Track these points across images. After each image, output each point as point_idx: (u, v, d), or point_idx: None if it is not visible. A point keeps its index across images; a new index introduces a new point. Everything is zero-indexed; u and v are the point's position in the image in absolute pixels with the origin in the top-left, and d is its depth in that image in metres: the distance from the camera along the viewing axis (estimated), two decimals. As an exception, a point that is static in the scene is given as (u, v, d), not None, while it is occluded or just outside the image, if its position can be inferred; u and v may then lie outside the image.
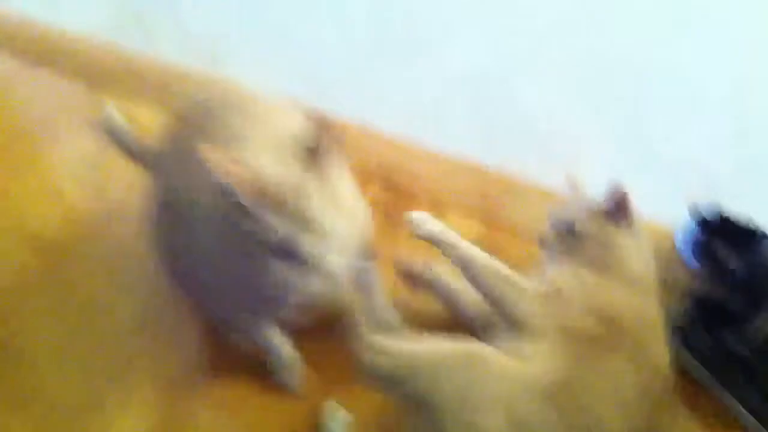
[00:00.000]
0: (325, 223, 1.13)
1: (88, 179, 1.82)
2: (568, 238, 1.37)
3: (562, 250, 1.38)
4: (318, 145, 1.11)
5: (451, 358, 1.21)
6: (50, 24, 2.14)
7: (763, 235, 1.50)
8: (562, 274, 1.33)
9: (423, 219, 1.37)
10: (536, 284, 1.31)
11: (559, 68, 1.92)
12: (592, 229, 1.35)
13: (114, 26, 2.11)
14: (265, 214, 1.09)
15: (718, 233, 1.55)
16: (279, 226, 1.10)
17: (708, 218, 1.56)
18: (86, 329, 1.57)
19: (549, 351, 1.23)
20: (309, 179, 1.11)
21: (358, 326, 1.30)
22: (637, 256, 1.34)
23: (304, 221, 1.11)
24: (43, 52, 2.10)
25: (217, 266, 1.26)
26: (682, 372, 1.45)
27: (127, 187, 1.74)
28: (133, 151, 1.63)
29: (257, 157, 1.12)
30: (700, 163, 1.76)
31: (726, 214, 1.55)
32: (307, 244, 1.12)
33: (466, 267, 1.33)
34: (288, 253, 1.13)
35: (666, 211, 1.65)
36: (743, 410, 1.42)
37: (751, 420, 1.41)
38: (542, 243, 1.43)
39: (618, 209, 1.33)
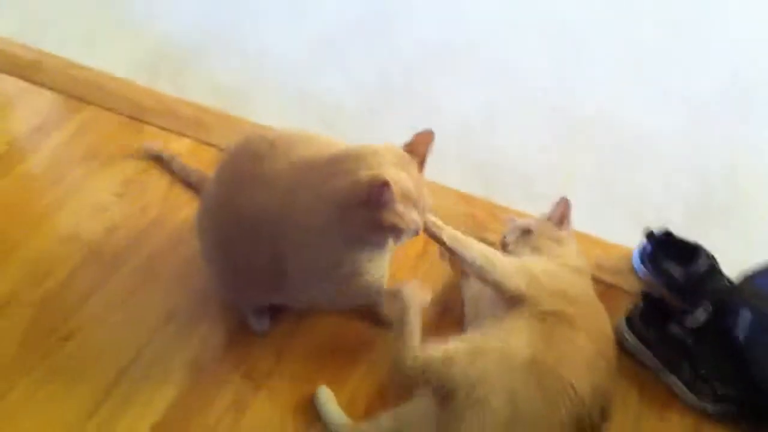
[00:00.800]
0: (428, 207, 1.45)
1: (129, 197, 2.03)
2: (524, 237, 1.65)
3: (520, 246, 1.64)
4: (419, 150, 1.45)
5: (466, 355, 1.39)
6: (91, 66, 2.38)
7: (699, 249, 1.74)
8: (532, 261, 1.57)
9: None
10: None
11: (538, 123, 2.22)
12: (544, 228, 1.64)
13: (148, 74, 2.38)
14: (409, 210, 1.39)
15: (664, 248, 1.79)
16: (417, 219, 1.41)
17: (656, 235, 1.79)
18: (126, 319, 1.78)
19: (525, 327, 1.45)
20: (419, 178, 1.42)
21: (399, 337, 1.45)
22: (577, 251, 1.62)
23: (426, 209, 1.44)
24: (87, 90, 2.33)
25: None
26: (632, 358, 1.68)
27: (162, 203, 2.00)
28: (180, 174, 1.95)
29: (389, 170, 1.39)
30: (655, 200, 2.05)
31: (671, 233, 1.79)
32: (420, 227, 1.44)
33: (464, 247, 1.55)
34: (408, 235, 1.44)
35: (625, 237, 1.91)
36: (683, 387, 1.61)
37: (689, 395, 1.60)
38: (503, 244, 1.69)
39: (561, 216, 1.64)
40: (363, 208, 1.36)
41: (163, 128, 2.21)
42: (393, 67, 2.47)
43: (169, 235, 1.89)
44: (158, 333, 1.74)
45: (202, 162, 2.07)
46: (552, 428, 1.34)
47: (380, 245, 1.47)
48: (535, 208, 1.89)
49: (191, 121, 2.21)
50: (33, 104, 2.29)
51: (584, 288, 1.56)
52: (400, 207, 1.37)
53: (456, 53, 2.52)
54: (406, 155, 1.43)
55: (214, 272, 1.66)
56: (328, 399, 1.58)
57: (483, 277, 1.52)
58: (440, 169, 2.01)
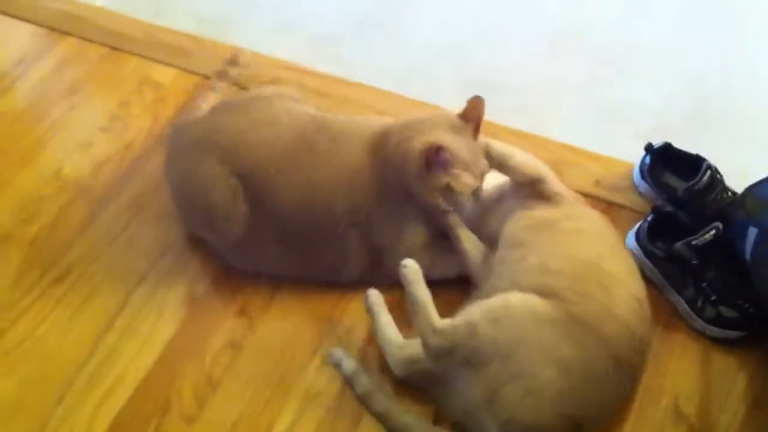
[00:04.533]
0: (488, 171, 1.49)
1: (114, 132, 1.92)
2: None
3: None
4: (474, 117, 1.47)
5: (492, 312, 1.30)
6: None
7: (701, 161, 1.63)
8: None
9: None
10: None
11: (530, 30, 2.08)
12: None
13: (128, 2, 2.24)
14: (463, 173, 1.44)
15: (664, 161, 1.69)
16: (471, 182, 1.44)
17: (656, 149, 1.68)
18: (118, 256, 1.71)
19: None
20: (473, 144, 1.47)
21: (415, 316, 1.37)
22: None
23: (482, 174, 1.48)
24: (67, 22, 2.19)
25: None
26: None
27: (147, 137, 1.91)
28: None
29: (442, 135, 1.44)
30: (652, 110, 1.93)
31: (671, 145, 1.69)
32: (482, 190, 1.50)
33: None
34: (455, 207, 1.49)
35: (626, 151, 1.80)
36: (687, 308, 1.53)
37: (693, 317, 1.53)
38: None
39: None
40: (420, 174, 1.43)
41: (146, 58, 2.08)
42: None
43: (157, 170, 1.77)
44: (152, 269, 1.66)
45: (187, 90, 1.96)
46: (606, 386, 1.29)
47: (435, 210, 1.50)
48: (527, 123, 1.84)
49: (175, 49, 2.08)
50: (12, 37, 2.17)
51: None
52: (455, 170, 1.42)
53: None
54: (459, 121, 1.47)
55: (241, 247, 1.59)
56: (379, 305, 1.51)
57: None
58: (431, 87, 1.93)
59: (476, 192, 1.48)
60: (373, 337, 1.51)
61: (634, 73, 2.04)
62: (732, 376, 1.49)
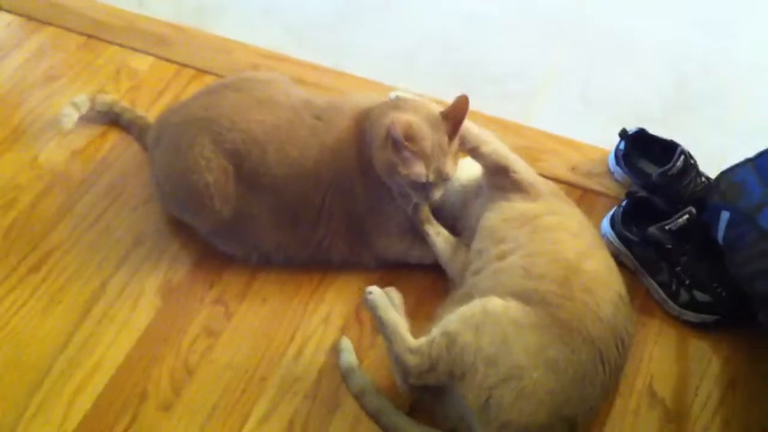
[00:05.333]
0: (451, 175, 1.45)
1: (91, 120, 1.89)
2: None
3: None
4: (455, 116, 1.42)
5: (471, 319, 1.27)
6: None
7: (675, 147, 1.63)
8: None
9: None
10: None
11: (511, 19, 2.09)
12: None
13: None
14: (417, 161, 1.40)
15: (639, 147, 1.69)
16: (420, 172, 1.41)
17: (631, 134, 1.68)
18: (95, 244, 1.69)
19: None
20: (447, 141, 1.43)
21: (388, 342, 1.33)
22: None
23: (440, 173, 1.43)
24: (46, 10, 2.17)
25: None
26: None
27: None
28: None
29: (414, 119, 1.43)
30: (631, 97, 1.94)
31: (645, 131, 1.68)
32: (436, 193, 1.45)
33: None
34: (420, 192, 1.45)
35: (603, 138, 1.79)
36: (661, 292, 1.54)
37: (668, 302, 1.54)
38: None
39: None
40: (378, 147, 1.44)
41: (123, 46, 2.07)
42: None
43: (133, 158, 1.78)
44: (128, 256, 1.66)
45: (164, 79, 1.95)
46: (593, 382, 1.28)
47: (401, 197, 1.49)
48: (507, 110, 1.82)
49: (153, 37, 2.06)
50: (-11, 27, 2.11)
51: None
52: (406, 152, 1.39)
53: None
54: (438, 119, 1.44)
55: (229, 229, 1.58)
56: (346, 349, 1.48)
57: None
58: (412, 75, 1.93)
59: (426, 189, 1.45)
60: (349, 324, 1.52)
61: (614, 63, 2.04)
62: (706, 359, 1.49)
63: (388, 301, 1.36)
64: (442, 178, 1.45)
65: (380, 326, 1.33)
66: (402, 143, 1.39)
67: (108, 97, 1.84)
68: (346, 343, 1.47)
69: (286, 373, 1.48)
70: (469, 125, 1.48)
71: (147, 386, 1.47)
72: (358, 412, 1.40)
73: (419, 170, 1.42)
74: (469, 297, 1.34)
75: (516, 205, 1.45)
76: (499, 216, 1.45)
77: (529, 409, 1.23)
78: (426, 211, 1.52)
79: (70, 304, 1.59)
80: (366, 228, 1.54)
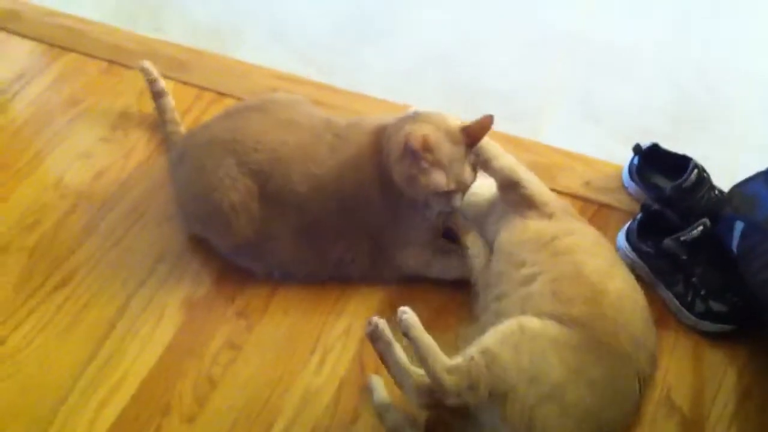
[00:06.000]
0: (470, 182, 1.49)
1: (114, 142, 1.94)
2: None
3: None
4: (476, 133, 1.46)
5: (509, 337, 1.27)
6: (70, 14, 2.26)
7: (688, 161, 1.65)
8: None
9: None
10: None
11: (518, 36, 2.12)
12: None
13: (127, 18, 2.26)
14: (436, 171, 1.44)
15: (652, 162, 1.71)
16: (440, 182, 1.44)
17: (644, 149, 1.70)
18: (119, 262, 1.72)
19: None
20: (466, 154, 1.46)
21: (423, 363, 1.29)
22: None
23: (460, 181, 1.46)
24: (67, 37, 2.20)
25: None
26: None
27: (146, 146, 1.93)
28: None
29: (427, 129, 1.46)
30: (637, 112, 1.96)
31: (658, 146, 1.70)
32: (457, 200, 1.48)
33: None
34: (443, 201, 1.48)
35: (613, 154, 1.82)
36: (677, 303, 1.55)
37: (683, 312, 1.55)
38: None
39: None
40: (398, 158, 1.46)
41: (144, 71, 2.07)
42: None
43: (155, 178, 1.81)
44: (151, 274, 1.68)
45: (185, 103, 1.98)
46: (630, 398, 1.30)
47: (417, 203, 1.51)
48: (516, 127, 1.84)
49: (172, 62, 2.09)
50: (12, 54, 2.17)
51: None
52: (424, 163, 1.42)
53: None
54: (456, 131, 1.46)
55: (252, 247, 1.61)
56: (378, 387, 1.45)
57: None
58: (420, 93, 1.95)
59: (450, 197, 1.48)
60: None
61: (621, 77, 2.07)
62: (722, 369, 1.50)
63: (419, 322, 1.32)
64: (463, 185, 1.47)
65: (415, 346, 1.29)
66: (419, 154, 1.42)
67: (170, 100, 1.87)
68: (377, 382, 1.45)
69: (308, 385, 1.50)
70: (483, 141, 1.50)
71: (171, 399, 1.49)
72: (378, 424, 1.42)
73: (440, 179, 1.44)
74: (494, 317, 1.36)
75: (530, 224, 1.46)
76: (515, 236, 1.46)
77: (572, 428, 1.23)
78: (460, 219, 1.54)
79: (94, 321, 1.61)
80: (386, 243, 1.56)
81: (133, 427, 1.46)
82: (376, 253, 1.58)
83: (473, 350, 1.26)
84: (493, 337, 1.27)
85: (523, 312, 1.34)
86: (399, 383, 1.35)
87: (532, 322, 1.28)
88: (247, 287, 1.63)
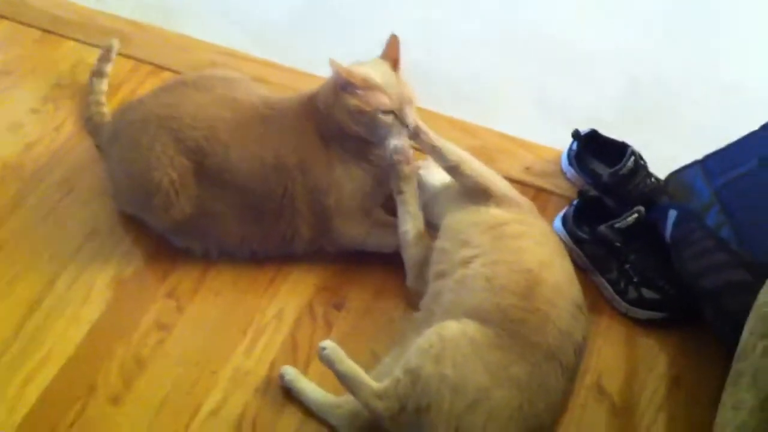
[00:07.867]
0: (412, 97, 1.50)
1: (45, 114, 1.88)
2: None
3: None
4: (391, 54, 1.52)
5: (429, 350, 1.25)
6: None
7: (626, 148, 1.64)
8: None
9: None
10: None
11: (470, 24, 2.09)
12: None
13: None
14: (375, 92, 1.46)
15: (591, 148, 1.71)
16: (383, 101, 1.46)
17: (583, 135, 1.70)
18: (48, 236, 1.66)
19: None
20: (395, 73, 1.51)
21: (352, 391, 1.30)
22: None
23: (401, 97, 1.48)
24: (1, 5, 2.13)
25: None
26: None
27: (77, 120, 1.86)
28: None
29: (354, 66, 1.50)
30: (585, 103, 1.95)
31: (597, 132, 1.69)
32: (410, 115, 1.49)
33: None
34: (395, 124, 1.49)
35: (556, 140, 1.81)
36: (611, 290, 1.55)
37: (616, 299, 1.55)
38: None
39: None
40: (335, 100, 1.48)
41: (81, 42, 2.03)
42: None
43: (86, 152, 1.76)
44: (80, 250, 1.63)
45: (120, 74, 1.92)
46: (556, 391, 1.29)
47: (365, 138, 1.51)
48: (466, 113, 1.83)
49: (111, 33, 2.00)
50: (-59, 21, 2.07)
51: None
52: (359, 90, 1.45)
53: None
54: (375, 60, 1.53)
55: (190, 226, 1.57)
56: (297, 377, 1.43)
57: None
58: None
59: (402, 115, 1.49)
60: (302, 319, 1.52)
61: (570, 68, 2.05)
62: (653, 356, 1.50)
63: (342, 353, 1.32)
64: (407, 98, 1.49)
65: (341, 379, 1.30)
66: (352, 82, 1.44)
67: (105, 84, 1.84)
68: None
69: (238, 367, 1.47)
70: (443, 143, 1.48)
71: (96, 379, 1.44)
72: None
73: (381, 97, 1.46)
74: (431, 314, 1.36)
75: (483, 209, 1.44)
76: (466, 218, 1.44)
77: (500, 428, 1.22)
78: (406, 169, 1.50)
79: (19, 296, 1.56)
80: (327, 210, 1.53)
81: (57, 405, 1.42)
82: (317, 223, 1.54)
83: (398, 371, 1.25)
84: (415, 354, 1.25)
85: (456, 301, 1.34)
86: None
87: (450, 329, 1.26)
88: (178, 267, 1.59)
